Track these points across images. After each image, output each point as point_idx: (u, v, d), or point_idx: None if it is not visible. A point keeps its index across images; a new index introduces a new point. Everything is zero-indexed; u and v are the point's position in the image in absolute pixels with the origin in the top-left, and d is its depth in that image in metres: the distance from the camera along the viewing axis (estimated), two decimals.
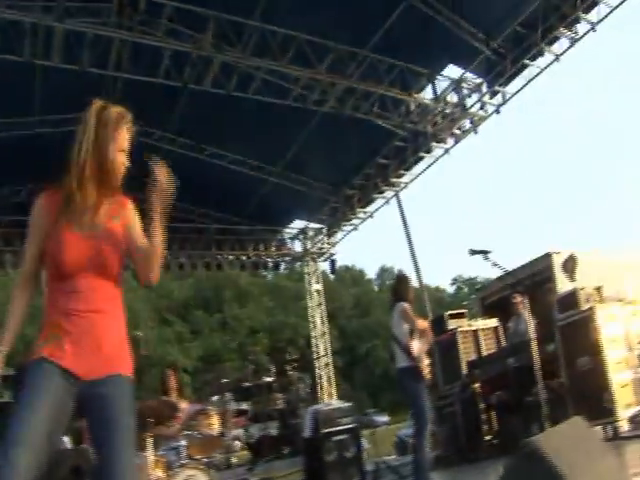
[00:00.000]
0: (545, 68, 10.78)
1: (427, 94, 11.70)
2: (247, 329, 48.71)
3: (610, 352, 7.16)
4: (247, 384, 11.44)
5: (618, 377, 7.09)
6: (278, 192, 14.92)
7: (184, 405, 7.43)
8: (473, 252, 6.10)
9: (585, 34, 10.19)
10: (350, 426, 8.49)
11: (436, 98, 11.57)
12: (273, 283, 55.55)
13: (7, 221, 13.89)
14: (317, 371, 16.93)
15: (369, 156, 13.81)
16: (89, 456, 6.52)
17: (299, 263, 17.84)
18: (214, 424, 6.61)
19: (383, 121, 11.66)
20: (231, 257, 16.52)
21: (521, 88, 11.25)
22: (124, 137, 2.55)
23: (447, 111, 11.81)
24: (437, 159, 13.18)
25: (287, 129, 12.80)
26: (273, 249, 16.97)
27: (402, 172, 13.83)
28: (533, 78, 10.99)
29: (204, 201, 15.46)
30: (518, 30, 10.37)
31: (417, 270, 14.72)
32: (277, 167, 14.28)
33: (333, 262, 17.60)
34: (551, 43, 10.45)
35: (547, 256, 10.44)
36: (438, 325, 10.05)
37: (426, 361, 6.16)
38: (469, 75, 11.42)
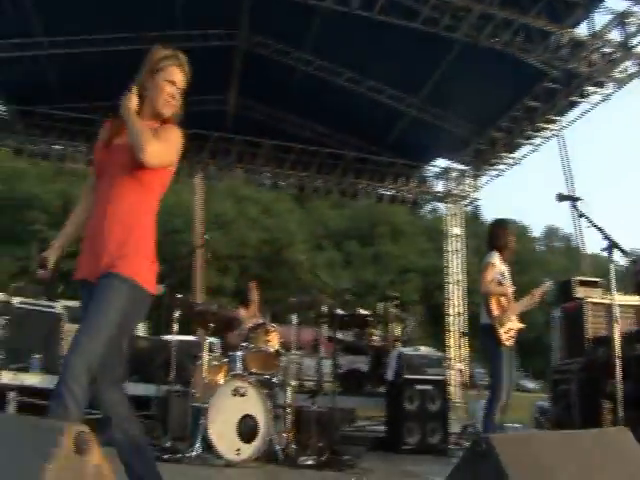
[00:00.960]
0: None
1: (582, 29, 9.78)
2: (399, 267, 47.38)
3: None
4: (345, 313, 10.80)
5: None
6: (419, 126, 13.75)
7: (255, 319, 7.45)
8: (561, 198, 4.99)
9: None
10: (436, 377, 7.88)
11: (594, 34, 9.61)
12: (431, 225, 53.26)
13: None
14: (449, 321, 15.85)
15: (516, 96, 12.09)
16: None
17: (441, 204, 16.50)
18: (271, 341, 6.45)
19: (527, 55, 9.93)
20: (368, 188, 15.62)
21: None
22: (171, 73, 2.91)
23: (607, 50, 9.76)
24: (594, 106, 11.18)
25: (427, 58, 11.53)
26: (413, 185, 15.79)
27: (553, 117, 11.97)
28: None
29: (342, 127, 14.79)
30: None
31: (578, 230, 13.06)
32: (417, 98, 13.03)
33: (475, 208, 16.09)
34: None
35: None
36: (564, 291, 8.72)
37: (510, 325, 5.44)
38: (636, 9, 9.27)
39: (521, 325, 5.58)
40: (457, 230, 16.00)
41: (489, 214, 53.93)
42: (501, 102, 12.42)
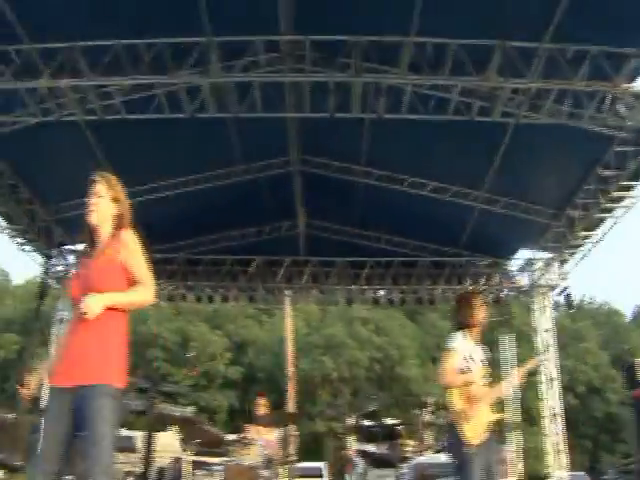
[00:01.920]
0: None
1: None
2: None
3: None
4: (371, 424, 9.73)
5: None
6: (491, 219, 12.95)
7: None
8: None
9: None
10: None
11: None
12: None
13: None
14: (545, 429, 14.16)
15: (586, 168, 11.09)
16: None
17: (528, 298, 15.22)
18: (250, 454, 6.51)
19: (577, 122, 9.12)
20: (446, 292, 14.68)
21: None
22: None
23: None
24: None
25: (481, 148, 10.96)
26: (494, 282, 14.68)
27: (628, 183, 10.87)
28: None
29: (415, 233, 14.19)
30: None
31: None
32: (482, 191, 12.33)
33: (569, 295, 14.70)
34: None
35: None
36: (629, 374, 7.47)
37: (481, 418, 4.31)
38: None
39: (498, 416, 4.54)
40: (547, 324, 14.63)
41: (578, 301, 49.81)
42: (571, 178, 11.46)
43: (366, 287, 14.70)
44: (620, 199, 11.31)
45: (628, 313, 50.86)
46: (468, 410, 4.22)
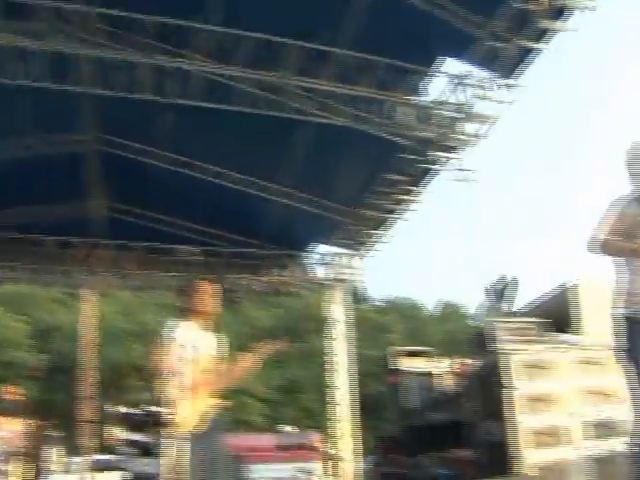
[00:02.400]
0: (558, 50, 8.54)
1: (424, 96, 9.59)
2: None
3: None
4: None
5: None
6: (289, 213, 13.19)
7: None
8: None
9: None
10: None
11: (434, 100, 9.46)
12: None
13: None
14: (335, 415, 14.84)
15: (374, 171, 11.70)
16: None
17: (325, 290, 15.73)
18: None
19: (364, 126, 9.59)
20: (244, 281, 14.76)
21: (532, 77, 9.01)
22: None
23: (449, 114, 9.57)
24: (449, 171, 10.94)
25: (279, 142, 11.08)
26: (291, 275, 15.03)
27: (411, 188, 11.66)
28: (546, 64, 8.78)
29: (216, 222, 14.04)
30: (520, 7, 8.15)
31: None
32: (281, 185, 12.53)
33: (359, 291, 15.40)
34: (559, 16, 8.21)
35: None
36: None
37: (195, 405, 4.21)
38: (471, 69, 9.17)
39: (218, 402, 4.41)
40: (340, 315, 15.26)
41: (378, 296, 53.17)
42: (362, 179, 12.01)
43: (165, 274, 14.29)
44: (403, 202, 12.06)
45: (430, 307, 55.27)
46: (183, 397, 4.12)
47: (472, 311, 54.54)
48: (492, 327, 5.94)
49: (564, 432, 5.46)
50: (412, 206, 12.25)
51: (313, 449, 14.79)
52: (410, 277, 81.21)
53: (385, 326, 42.31)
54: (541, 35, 8.41)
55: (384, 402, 9.15)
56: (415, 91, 9.39)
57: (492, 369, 5.56)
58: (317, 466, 14.82)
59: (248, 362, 4.42)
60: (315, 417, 34.33)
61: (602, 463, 5.36)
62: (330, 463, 14.95)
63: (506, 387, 5.33)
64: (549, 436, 5.35)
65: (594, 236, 3.37)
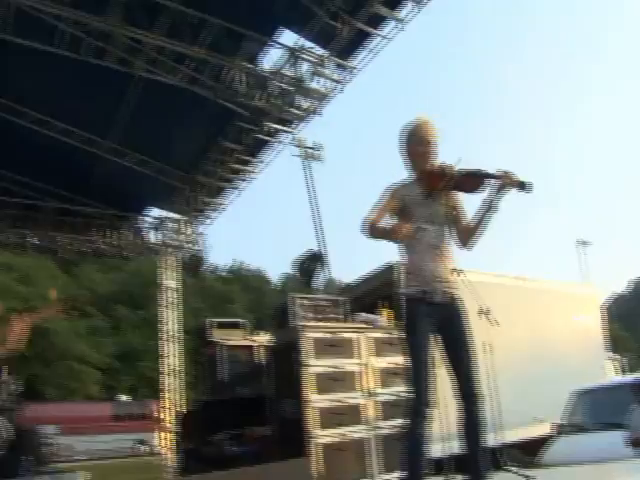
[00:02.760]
0: (392, 39, 8.63)
1: (261, 65, 9.36)
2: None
3: None
4: None
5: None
6: (124, 173, 12.40)
7: None
8: None
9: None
10: None
11: (270, 70, 9.25)
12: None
13: None
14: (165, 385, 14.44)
15: (211, 137, 11.36)
16: None
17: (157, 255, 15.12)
18: None
19: (197, 88, 9.21)
20: (71, 242, 13.81)
21: (367, 61, 9.07)
22: None
23: (284, 86, 9.43)
24: (284, 144, 10.92)
25: (109, 97, 10.37)
26: (123, 238, 14.29)
27: (246, 158, 11.47)
28: (380, 50, 8.83)
29: (41, 175, 12.92)
30: None
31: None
32: (114, 143, 11.76)
33: (198, 259, 14.99)
34: (393, 7, 8.32)
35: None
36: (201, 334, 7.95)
37: None
38: (309, 44, 9.08)
39: None
40: (172, 283, 14.82)
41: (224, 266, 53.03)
42: (198, 145, 11.60)
43: None
44: (240, 171, 11.85)
45: (275, 280, 55.47)
46: None
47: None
48: (291, 302, 5.87)
49: (358, 411, 5.53)
50: (250, 176, 12.03)
51: (152, 419, 14.30)
52: (259, 248, 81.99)
53: (228, 296, 42.17)
54: (375, 20, 8.49)
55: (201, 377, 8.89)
56: (252, 59, 9.13)
57: (290, 345, 5.48)
58: (156, 436, 14.33)
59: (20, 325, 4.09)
60: (154, 386, 33.66)
61: (392, 441, 5.51)
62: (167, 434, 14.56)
63: (301, 364, 5.28)
64: (344, 414, 5.38)
65: (365, 218, 3.40)
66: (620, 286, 73.16)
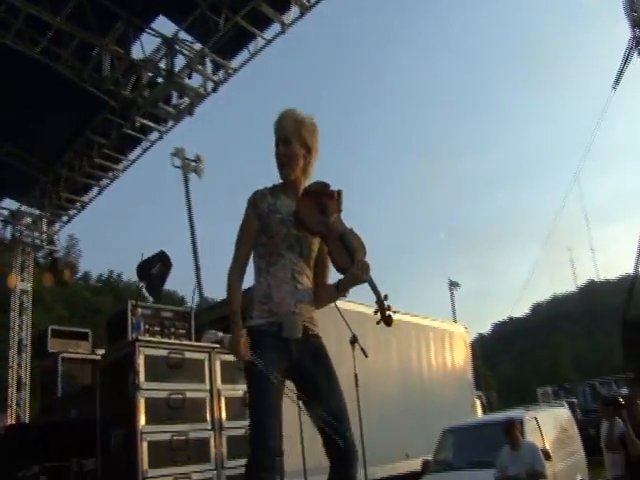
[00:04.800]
0: (272, 40, 8.11)
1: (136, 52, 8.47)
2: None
3: None
4: None
5: None
6: None
7: None
8: None
9: (317, 3, 7.66)
10: None
11: (143, 59, 8.37)
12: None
13: None
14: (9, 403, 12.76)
15: (78, 127, 10.21)
16: None
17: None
18: None
19: (67, 70, 8.22)
20: None
21: (246, 62, 8.48)
22: None
23: (153, 76, 8.54)
24: (153, 143, 10.00)
25: None
26: None
27: (112, 154, 10.45)
28: (259, 51, 8.26)
29: None
30: None
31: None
32: None
33: (55, 261, 13.48)
34: (280, 10, 7.83)
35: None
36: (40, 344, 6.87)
37: None
38: (186, 37, 8.34)
39: None
40: (25, 285, 13.26)
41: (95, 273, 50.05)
42: (62, 134, 10.39)
43: None
44: (104, 168, 10.80)
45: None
46: None
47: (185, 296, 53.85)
48: (131, 310, 4.85)
49: (205, 447, 4.53)
50: (115, 174, 10.99)
51: None
52: (132, 254, 78.80)
53: (98, 307, 39.58)
54: (259, 21, 7.96)
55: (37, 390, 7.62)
56: (124, 44, 8.24)
57: (123, 362, 4.43)
58: None
59: None
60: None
61: None
62: None
63: (137, 387, 4.23)
64: (184, 450, 4.34)
65: (229, 272, 2.74)
66: (484, 327, 76.68)
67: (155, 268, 5.28)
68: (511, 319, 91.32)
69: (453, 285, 33.07)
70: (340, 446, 2.52)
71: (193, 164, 12.83)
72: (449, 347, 12.34)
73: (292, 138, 2.74)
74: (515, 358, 66.87)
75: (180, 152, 11.93)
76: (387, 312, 2.62)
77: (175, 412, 4.38)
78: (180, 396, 4.45)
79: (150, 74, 8.40)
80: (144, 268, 5.27)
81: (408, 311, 10.46)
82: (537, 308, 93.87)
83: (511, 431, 6.35)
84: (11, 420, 12.56)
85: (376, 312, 2.63)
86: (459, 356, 12.81)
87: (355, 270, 2.63)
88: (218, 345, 4.98)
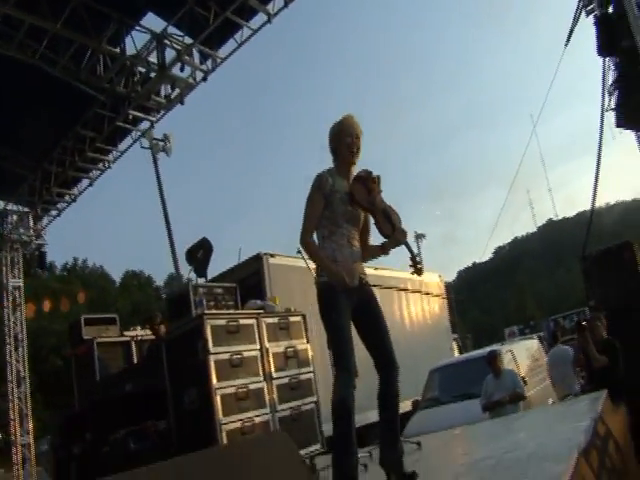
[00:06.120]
0: (258, 30, 8.70)
1: (127, 49, 8.93)
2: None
3: None
4: None
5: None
6: None
7: None
8: None
9: None
10: None
11: (134, 56, 8.87)
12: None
13: None
14: (10, 398, 13.23)
15: (68, 123, 10.63)
16: None
17: None
18: None
19: (52, 69, 8.61)
20: None
21: (233, 52, 9.05)
22: None
23: (145, 72, 9.03)
24: (143, 133, 10.54)
25: None
26: None
27: (104, 147, 10.94)
28: (245, 41, 8.85)
29: None
30: None
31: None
32: None
33: (42, 255, 14.02)
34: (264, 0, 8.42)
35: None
36: (74, 333, 7.56)
37: None
38: (174, 31, 8.84)
39: None
40: (16, 282, 13.65)
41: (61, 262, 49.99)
42: (51, 130, 10.76)
43: None
44: (96, 161, 11.27)
45: (117, 278, 52.95)
46: None
47: (159, 281, 54.23)
48: (189, 291, 5.67)
49: (260, 395, 5.49)
50: (106, 165, 11.47)
51: None
52: (100, 244, 78.37)
53: (68, 296, 39.55)
54: (244, 11, 8.52)
55: (70, 376, 8.29)
56: (116, 42, 8.73)
57: (191, 334, 5.30)
58: None
59: None
60: None
61: (292, 422, 5.59)
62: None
63: (208, 352, 5.13)
64: (246, 400, 5.29)
65: (304, 234, 3.58)
66: (451, 275, 79.15)
67: (200, 253, 6.11)
68: (474, 264, 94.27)
69: (419, 237, 34.14)
70: (384, 363, 3.55)
71: (161, 144, 13.27)
72: (426, 296, 13.39)
73: (360, 135, 3.72)
74: (482, 302, 69.32)
75: (147, 133, 12.27)
76: (419, 265, 3.68)
77: (236, 369, 5.32)
78: (239, 356, 5.37)
79: (143, 70, 8.91)
80: (191, 254, 6.10)
81: (385, 266, 11.30)
82: (500, 251, 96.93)
83: (494, 361, 7.47)
84: (14, 414, 13.14)
85: (411, 265, 3.66)
86: (436, 304, 13.90)
87: (397, 235, 3.67)
88: (262, 310, 5.96)
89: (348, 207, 3.62)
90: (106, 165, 11.33)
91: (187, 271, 6.04)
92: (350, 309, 3.52)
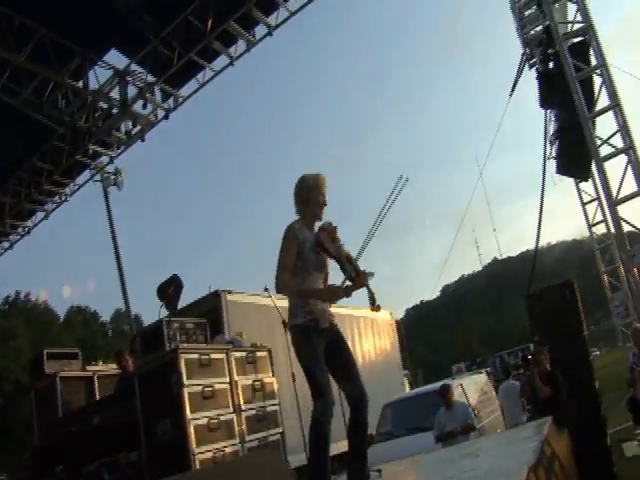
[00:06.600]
0: (220, 72, 9.00)
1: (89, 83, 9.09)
2: None
3: None
4: None
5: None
6: None
7: None
8: None
9: (262, 38, 8.64)
10: None
11: (96, 91, 9.02)
12: None
13: None
14: None
15: (25, 155, 10.57)
16: None
17: None
18: None
19: (11, 99, 8.65)
20: None
21: (194, 92, 9.32)
22: None
23: (107, 107, 9.22)
24: (101, 169, 10.62)
25: None
26: None
27: (61, 180, 10.95)
28: (207, 82, 9.13)
29: None
30: (190, 20, 8.41)
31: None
32: None
33: None
34: (227, 44, 8.74)
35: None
36: (35, 367, 7.53)
37: None
38: (137, 68, 9.07)
39: None
40: None
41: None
42: (9, 161, 10.74)
43: None
44: (52, 193, 11.25)
45: (61, 313, 51.38)
46: None
47: (105, 317, 52.84)
48: (163, 325, 5.81)
49: (230, 426, 5.70)
50: (62, 198, 11.45)
51: None
52: (49, 278, 76.32)
53: (10, 331, 38.34)
54: (208, 53, 8.82)
55: (32, 412, 8.16)
56: (78, 77, 8.86)
57: (164, 367, 5.47)
58: None
59: None
60: None
61: (259, 452, 5.78)
62: None
63: (182, 385, 5.31)
64: (217, 430, 5.49)
65: (280, 278, 3.82)
66: (399, 313, 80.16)
67: (170, 289, 6.29)
68: (422, 302, 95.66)
69: (369, 275, 34.62)
70: (355, 395, 3.85)
71: (112, 177, 13.24)
72: (378, 333, 13.68)
73: (324, 191, 4.05)
74: (430, 340, 70.26)
75: (98, 166, 12.21)
76: (377, 303, 3.97)
77: (207, 401, 5.52)
78: (210, 388, 5.57)
79: (105, 105, 9.07)
80: (162, 290, 6.28)
81: (340, 304, 11.50)
82: (447, 289, 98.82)
83: (446, 394, 7.79)
84: None
85: (371, 303, 3.94)
86: (387, 340, 14.18)
87: (361, 278, 3.95)
88: (231, 345, 6.23)
89: (318, 256, 3.92)
90: (62, 198, 11.31)
91: (158, 307, 6.16)
92: (322, 347, 3.80)
